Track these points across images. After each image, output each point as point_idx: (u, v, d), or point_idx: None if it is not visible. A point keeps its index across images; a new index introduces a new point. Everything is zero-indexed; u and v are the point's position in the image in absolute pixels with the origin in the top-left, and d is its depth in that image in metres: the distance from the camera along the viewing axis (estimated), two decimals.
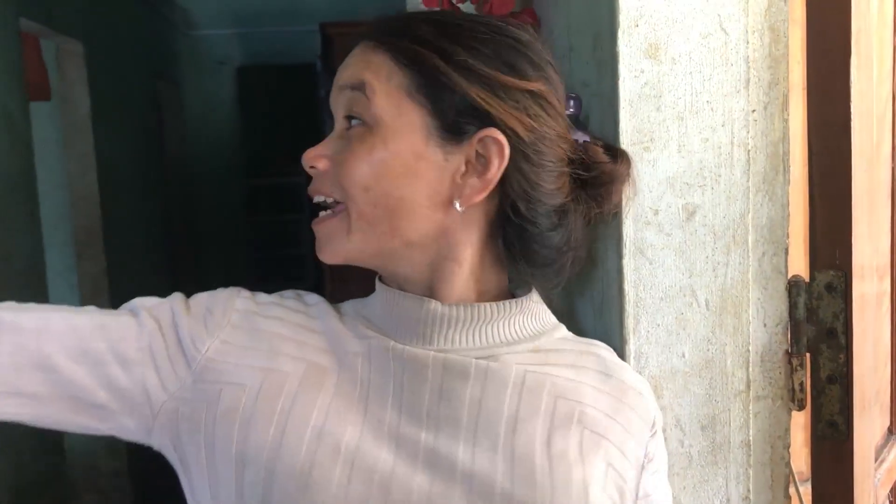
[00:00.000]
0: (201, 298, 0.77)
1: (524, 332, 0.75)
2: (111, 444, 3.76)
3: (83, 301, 3.58)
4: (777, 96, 0.95)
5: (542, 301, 0.79)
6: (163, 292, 0.81)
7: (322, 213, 0.74)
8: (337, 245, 0.73)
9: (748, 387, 0.95)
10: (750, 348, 0.95)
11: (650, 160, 0.92)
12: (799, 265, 1.01)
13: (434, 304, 0.72)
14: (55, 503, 3.00)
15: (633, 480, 0.73)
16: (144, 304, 0.76)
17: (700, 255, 0.94)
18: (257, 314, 0.76)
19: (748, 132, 0.94)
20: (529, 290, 0.79)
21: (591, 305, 1.03)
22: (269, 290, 0.82)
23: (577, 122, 0.78)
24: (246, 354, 0.73)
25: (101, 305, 0.81)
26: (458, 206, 0.70)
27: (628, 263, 0.92)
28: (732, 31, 0.93)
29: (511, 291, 0.80)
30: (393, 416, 0.70)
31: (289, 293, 0.80)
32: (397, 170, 0.69)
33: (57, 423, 0.74)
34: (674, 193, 0.93)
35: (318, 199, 0.73)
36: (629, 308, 0.93)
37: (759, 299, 0.95)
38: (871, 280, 1.04)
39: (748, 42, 0.93)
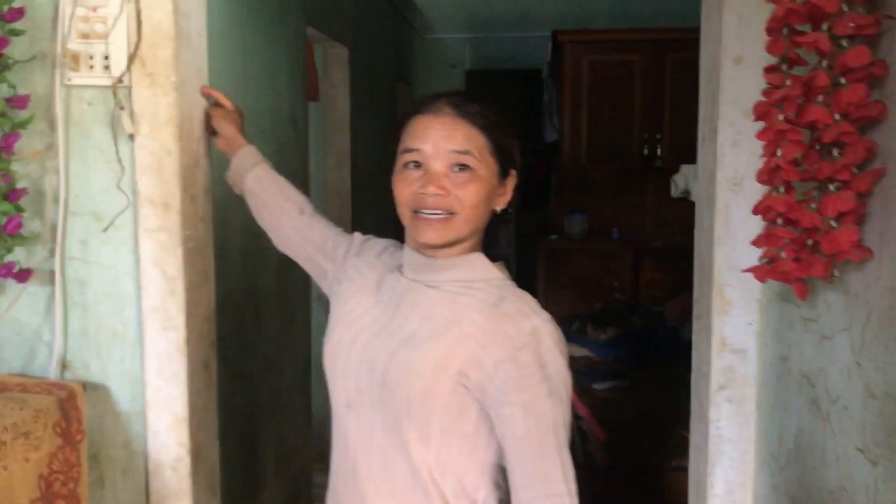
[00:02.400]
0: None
1: (462, 275, 1.24)
2: None
3: None
4: None
5: (485, 260, 1.28)
6: None
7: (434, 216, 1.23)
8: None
9: None
10: None
11: None
12: None
13: (418, 257, 1.28)
14: (302, 468, 3.29)
15: (489, 369, 1.15)
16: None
17: None
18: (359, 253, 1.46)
19: None
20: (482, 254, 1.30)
21: None
22: None
23: None
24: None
25: None
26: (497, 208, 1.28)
27: None
28: None
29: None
30: (382, 302, 1.31)
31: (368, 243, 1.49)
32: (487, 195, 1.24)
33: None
34: None
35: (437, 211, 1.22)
36: None
37: None
38: None
39: None
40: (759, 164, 1.70)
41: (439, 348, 1.18)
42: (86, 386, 1.79)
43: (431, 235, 1.22)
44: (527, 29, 6.21)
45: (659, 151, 5.40)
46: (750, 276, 1.71)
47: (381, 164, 4.85)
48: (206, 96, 1.86)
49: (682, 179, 5.52)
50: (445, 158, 1.21)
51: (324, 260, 1.54)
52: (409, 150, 1.24)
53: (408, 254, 1.31)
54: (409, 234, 1.31)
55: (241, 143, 1.76)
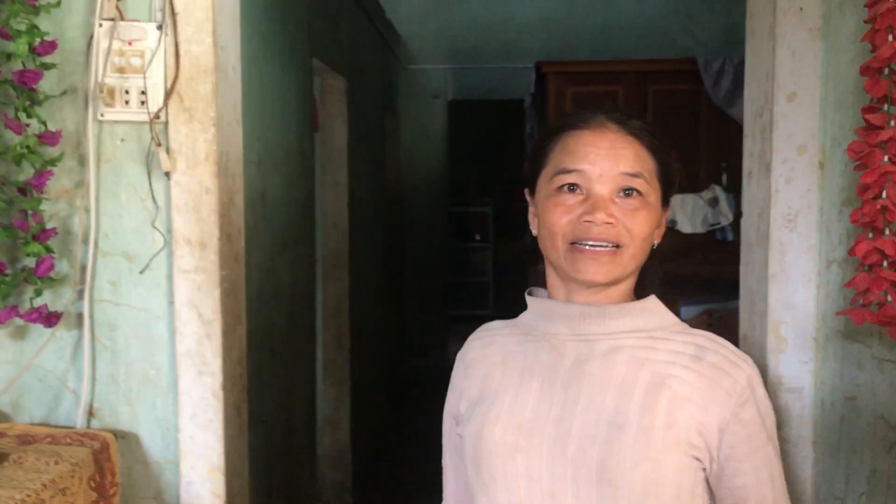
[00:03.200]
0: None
1: (638, 324, 1.07)
2: (337, 456, 3.96)
3: (325, 321, 3.78)
4: None
5: (661, 304, 1.11)
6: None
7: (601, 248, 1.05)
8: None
9: None
10: None
11: None
12: None
13: (572, 308, 1.08)
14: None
15: (714, 434, 1.01)
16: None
17: None
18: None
19: None
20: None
21: None
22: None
23: None
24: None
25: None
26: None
27: None
28: None
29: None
30: (530, 375, 1.09)
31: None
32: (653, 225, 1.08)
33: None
34: None
35: (604, 243, 1.05)
36: None
37: None
38: None
39: None
40: (812, 200, 1.70)
41: (659, 422, 1.00)
42: (116, 435, 1.70)
43: (596, 271, 1.03)
44: (508, 60, 6.23)
45: None
46: (805, 313, 1.70)
47: (374, 197, 4.80)
48: None
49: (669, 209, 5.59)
50: (612, 182, 1.04)
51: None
52: (567, 171, 1.05)
53: (555, 307, 1.10)
54: (555, 278, 1.11)
55: None
